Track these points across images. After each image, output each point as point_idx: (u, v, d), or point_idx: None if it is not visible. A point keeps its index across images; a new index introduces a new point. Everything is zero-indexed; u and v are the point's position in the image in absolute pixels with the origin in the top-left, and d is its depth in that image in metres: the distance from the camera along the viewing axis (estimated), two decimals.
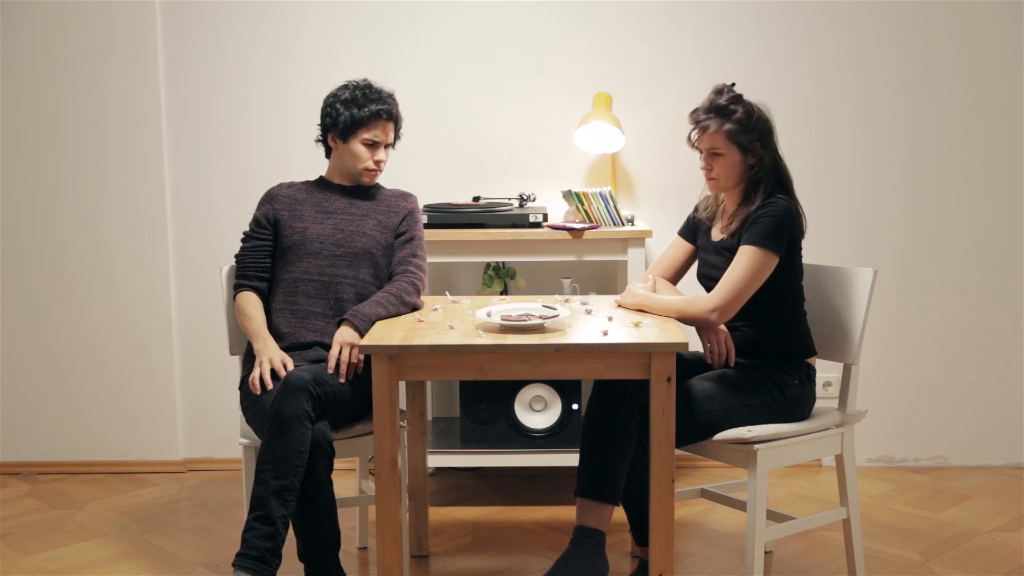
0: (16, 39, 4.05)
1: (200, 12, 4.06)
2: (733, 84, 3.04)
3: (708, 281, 3.06)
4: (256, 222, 3.24)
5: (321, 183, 3.30)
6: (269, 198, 3.27)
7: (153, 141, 4.09)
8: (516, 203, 3.89)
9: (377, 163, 3.22)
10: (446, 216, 3.72)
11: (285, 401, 2.78)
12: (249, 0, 4.05)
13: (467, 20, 4.06)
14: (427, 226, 3.70)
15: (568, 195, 3.79)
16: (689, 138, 3.04)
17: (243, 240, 3.25)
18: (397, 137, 3.28)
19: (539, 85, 4.07)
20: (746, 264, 2.88)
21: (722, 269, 2.96)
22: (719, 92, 3.00)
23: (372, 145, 3.20)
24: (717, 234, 3.06)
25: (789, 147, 4.03)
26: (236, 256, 3.23)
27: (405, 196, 3.31)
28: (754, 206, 2.95)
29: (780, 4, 4.01)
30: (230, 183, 4.11)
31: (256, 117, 4.10)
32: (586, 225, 3.73)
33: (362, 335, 2.95)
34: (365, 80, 3.26)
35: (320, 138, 3.28)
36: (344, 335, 2.98)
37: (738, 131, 2.95)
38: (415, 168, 4.07)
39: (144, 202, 4.12)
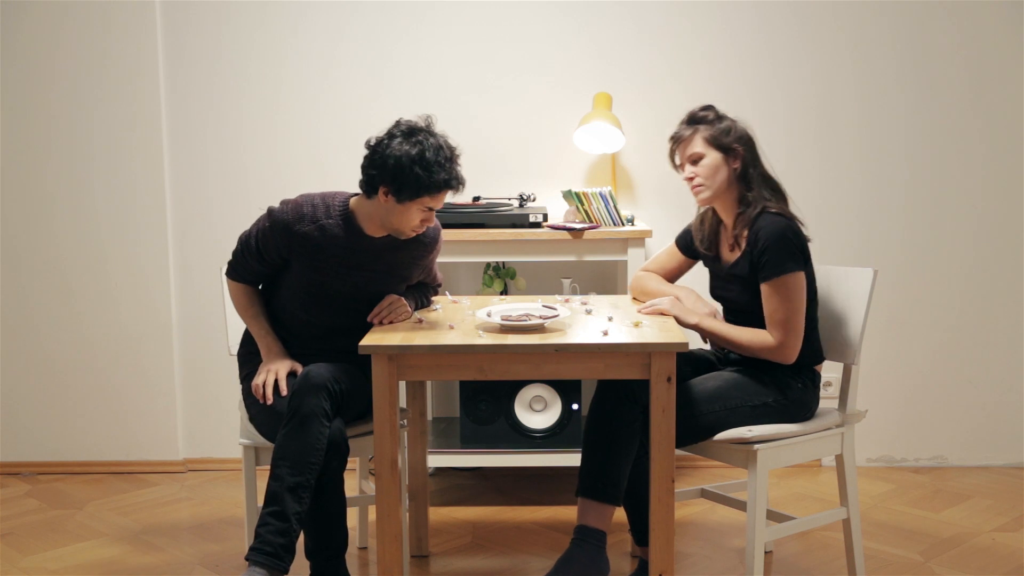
0: (16, 39, 4.05)
1: (200, 12, 4.06)
2: (711, 106, 3.04)
3: (725, 303, 3.06)
4: (263, 247, 2.97)
5: (349, 225, 2.93)
6: (285, 231, 2.92)
7: (153, 141, 4.09)
8: (516, 203, 3.89)
9: (424, 226, 2.92)
10: (446, 216, 3.71)
11: (304, 398, 2.77)
12: (249, 0, 4.05)
13: (467, 20, 4.06)
14: None
15: (568, 195, 3.79)
16: (672, 159, 3.03)
17: (247, 249, 3.01)
18: None
19: (539, 85, 4.07)
20: (782, 296, 2.85)
21: (741, 297, 2.96)
22: (694, 109, 3.02)
23: (428, 210, 2.89)
24: (726, 255, 3.03)
25: (789, 147, 4.07)
26: (241, 247, 3.02)
27: (433, 243, 3.08)
28: (754, 213, 2.91)
29: (780, 4, 4.01)
30: (230, 183, 4.11)
31: (256, 117, 4.10)
32: (586, 225, 3.73)
33: (411, 309, 3.03)
34: (428, 123, 2.89)
35: (365, 183, 2.88)
36: (394, 297, 3.00)
37: (716, 134, 2.95)
38: None
39: (143, 203, 4.12)
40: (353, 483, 3.61)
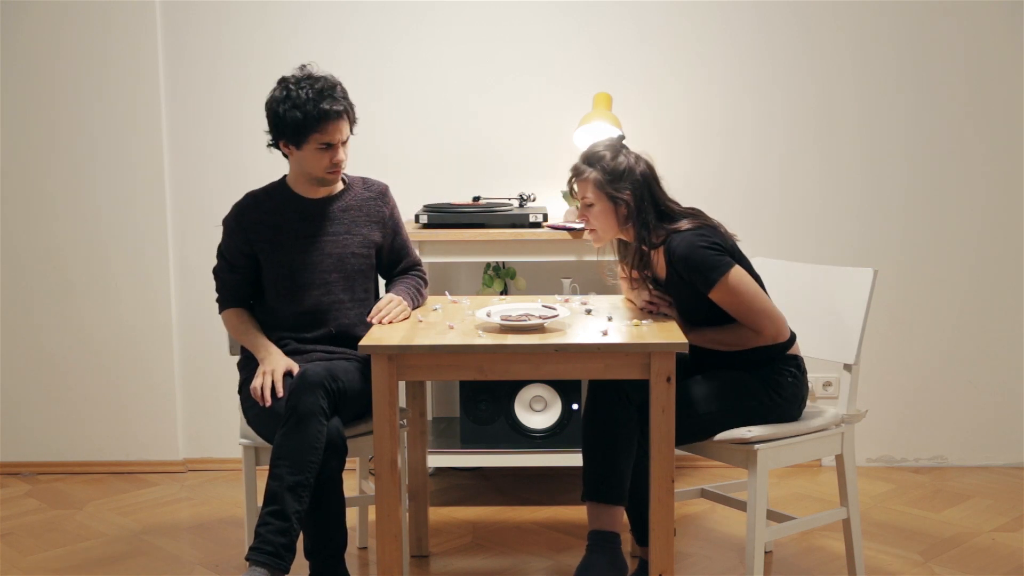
0: (16, 39, 4.05)
1: (200, 12, 4.06)
2: (622, 136, 3.03)
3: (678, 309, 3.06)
4: (229, 256, 3.07)
5: (288, 195, 3.08)
6: (239, 227, 3.05)
7: (153, 141, 4.09)
8: (516, 203, 3.89)
9: (336, 165, 2.99)
10: (446, 216, 3.72)
11: (301, 396, 2.78)
12: (249, 0, 4.05)
13: (467, 20, 4.06)
14: (427, 226, 3.71)
15: (568, 195, 3.79)
16: (569, 188, 3.03)
17: (220, 270, 3.11)
18: (353, 124, 3.02)
19: (539, 85, 4.07)
20: (733, 295, 2.85)
21: (693, 305, 2.94)
22: (598, 144, 3.00)
23: (328, 147, 2.97)
24: (659, 274, 3.02)
25: (789, 147, 4.07)
26: (216, 276, 3.13)
27: (381, 196, 3.16)
28: (659, 241, 2.91)
29: (780, 4, 4.01)
30: (230, 183, 4.08)
31: (256, 117, 4.05)
32: None
33: (410, 305, 3.05)
34: (304, 71, 2.97)
35: (272, 143, 3.04)
36: (393, 296, 3.02)
37: (607, 180, 2.92)
38: (416, 168, 4.07)
39: (144, 202, 4.12)
40: (353, 483, 3.61)
